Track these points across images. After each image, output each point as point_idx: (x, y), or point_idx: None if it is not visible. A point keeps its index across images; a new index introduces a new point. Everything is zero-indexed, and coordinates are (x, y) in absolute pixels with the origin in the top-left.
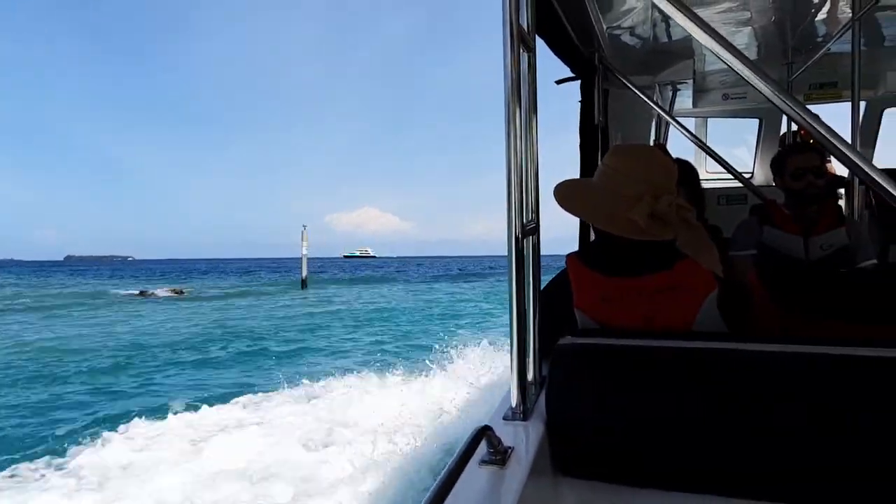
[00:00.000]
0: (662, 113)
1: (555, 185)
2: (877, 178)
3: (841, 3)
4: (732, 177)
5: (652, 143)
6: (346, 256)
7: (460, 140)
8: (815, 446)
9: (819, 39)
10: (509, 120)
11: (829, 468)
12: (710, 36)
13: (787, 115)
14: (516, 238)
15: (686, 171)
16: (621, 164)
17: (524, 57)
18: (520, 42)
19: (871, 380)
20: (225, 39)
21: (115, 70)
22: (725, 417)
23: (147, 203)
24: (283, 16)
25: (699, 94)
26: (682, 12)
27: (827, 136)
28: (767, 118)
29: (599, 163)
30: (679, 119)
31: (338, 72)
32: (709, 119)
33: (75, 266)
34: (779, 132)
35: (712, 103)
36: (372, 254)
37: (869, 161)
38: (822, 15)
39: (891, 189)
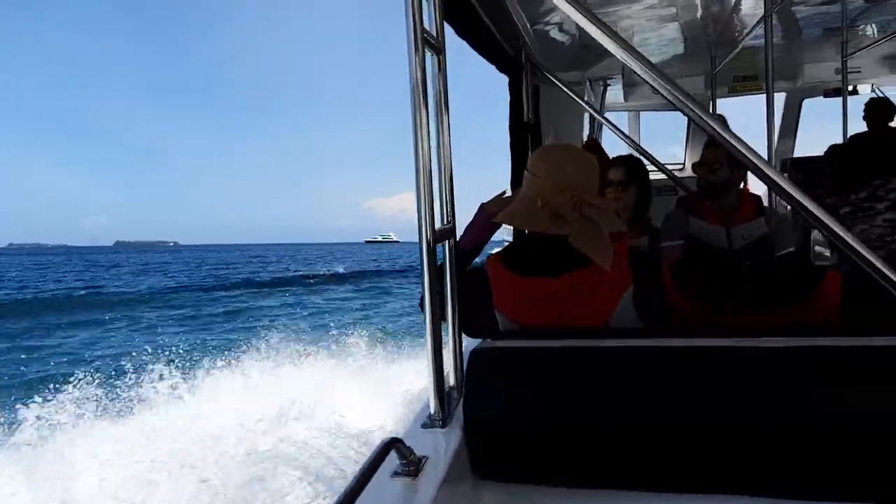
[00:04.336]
0: (590, 110)
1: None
2: (766, 171)
3: (749, 4)
4: (665, 169)
5: (585, 139)
6: (367, 241)
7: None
8: (729, 438)
9: (738, 34)
10: (416, 124)
11: (742, 459)
12: (613, 41)
13: (682, 112)
14: (428, 242)
15: (636, 167)
16: (532, 166)
17: (434, 59)
18: (424, 45)
19: (779, 369)
20: (266, 28)
21: (158, 59)
22: (641, 414)
23: (188, 189)
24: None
25: (629, 88)
26: (586, 18)
27: (721, 133)
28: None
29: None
30: (613, 112)
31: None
32: (641, 112)
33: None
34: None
35: (643, 97)
36: (395, 238)
37: (758, 155)
38: (739, 10)
39: (780, 182)
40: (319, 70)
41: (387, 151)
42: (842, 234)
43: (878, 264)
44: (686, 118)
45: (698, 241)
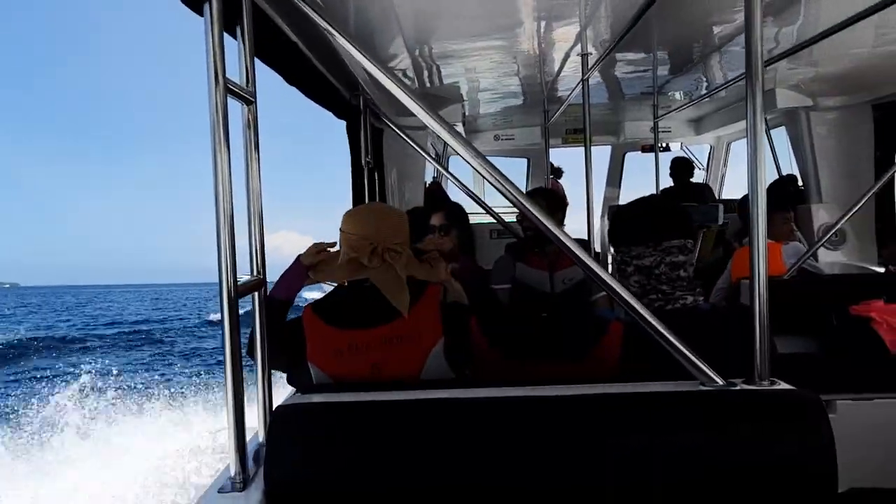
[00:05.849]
0: (426, 156)
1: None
2: (533, 212)
3: (573, 67)
4: (508, 209)
5: (430, 180)
6: None
7: None
8: (540, 490)
9: (565, 92)
10: (217, 171)
11: None
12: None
13: (462, 157)
14: (229, 295)
15: (455, 213)
16: (343, 224)
17: (244, 108)
18: (225, 94)
19: (578, 416)
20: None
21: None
22: (454, 467)
23: (35, 224)
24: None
25: (471, 134)
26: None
27: (505, 186)
28: (534, 158)
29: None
30: (458, 156)
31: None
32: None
33: None
34: (545, 171)
35: (485, 143)
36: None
37: (524, 202)
38: (564, 72)
39: (548, 224)
40: (190, 100)
41: (267, 187)
42: (613, 285)
43: (647, 315)
44: (527, 164)
45: (523, 285)
